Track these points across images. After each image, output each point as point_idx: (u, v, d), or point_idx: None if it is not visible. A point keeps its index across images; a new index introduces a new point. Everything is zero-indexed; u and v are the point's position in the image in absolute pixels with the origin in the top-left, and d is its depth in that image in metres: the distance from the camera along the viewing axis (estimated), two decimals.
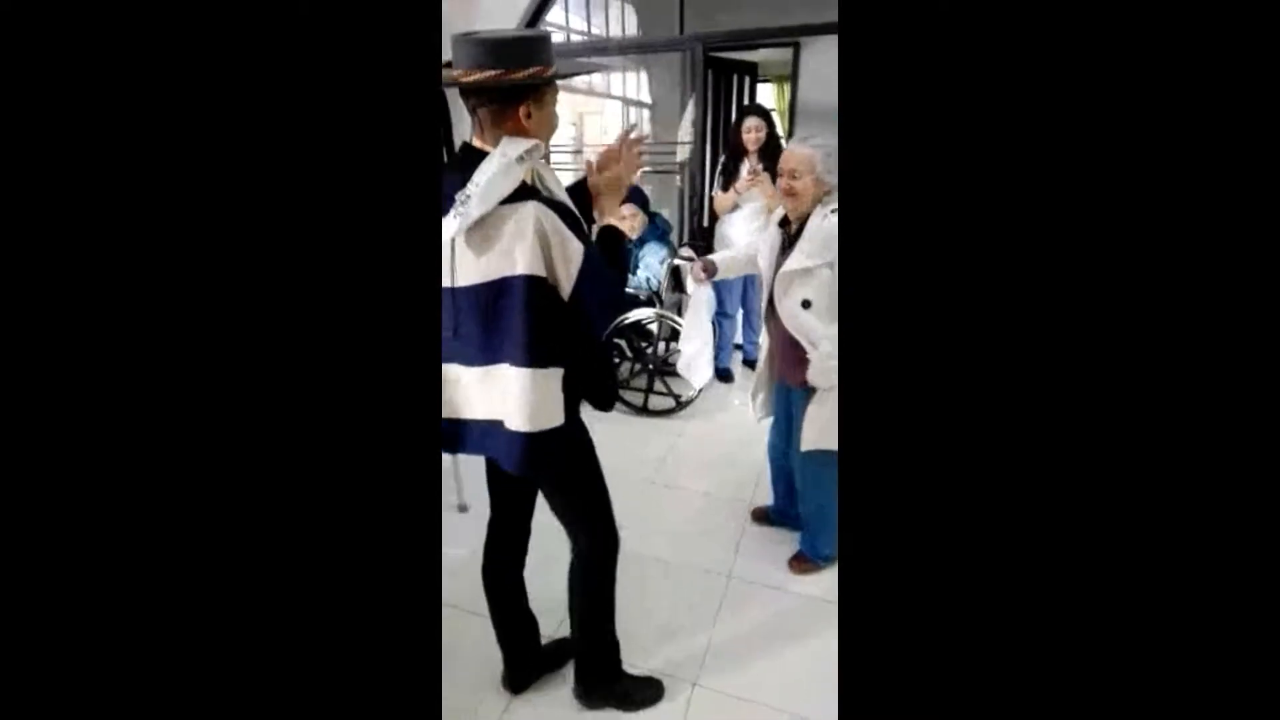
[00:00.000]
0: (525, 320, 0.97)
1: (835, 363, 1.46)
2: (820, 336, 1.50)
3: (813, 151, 1.48)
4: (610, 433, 2.68)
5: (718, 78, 4.18)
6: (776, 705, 1.37)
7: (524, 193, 0.96)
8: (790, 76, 4.91)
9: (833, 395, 1.53)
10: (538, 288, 0.97)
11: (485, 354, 1.02)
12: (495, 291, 0.98)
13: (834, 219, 1.45)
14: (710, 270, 1.75)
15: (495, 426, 1.05)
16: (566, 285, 0.99)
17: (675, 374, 2.92)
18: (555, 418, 1.04)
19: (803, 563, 1.80)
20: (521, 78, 0.95)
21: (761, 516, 2.02)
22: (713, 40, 3.19)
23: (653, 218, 2.95)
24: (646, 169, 4.70)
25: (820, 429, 1.57)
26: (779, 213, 1.62)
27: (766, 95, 5.76)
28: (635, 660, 1.46)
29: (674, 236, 3.17)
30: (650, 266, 2.82)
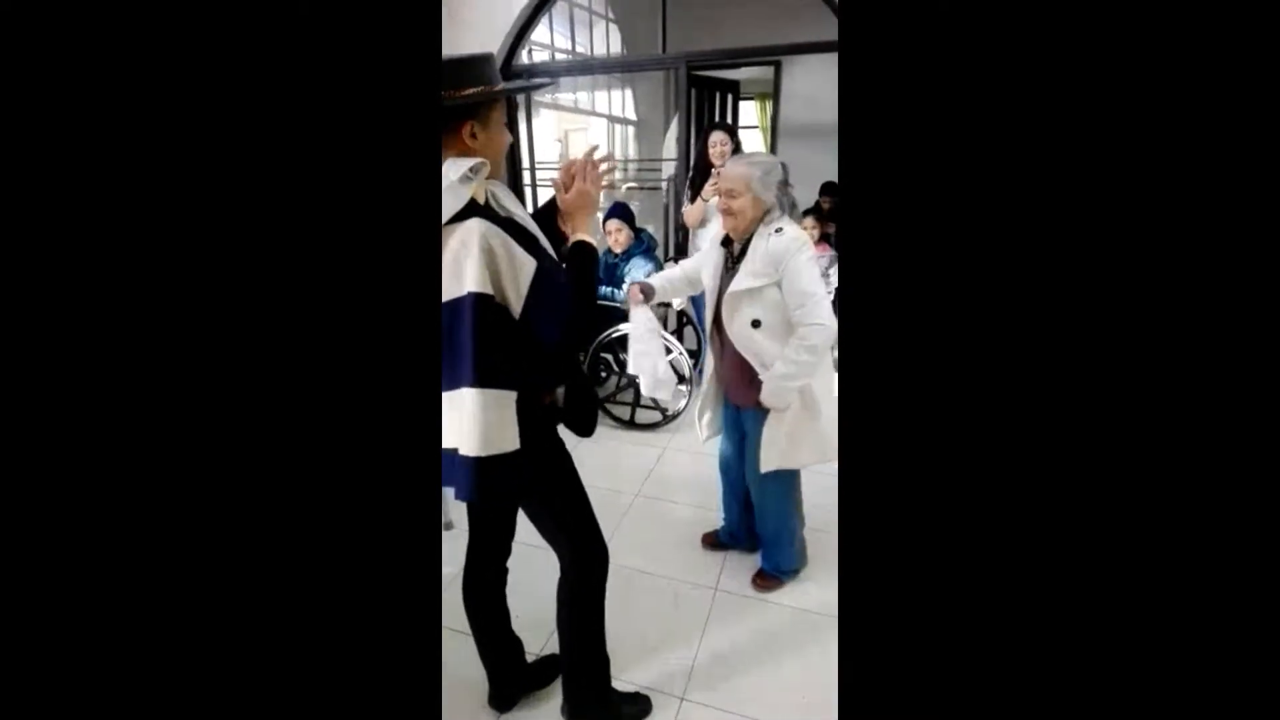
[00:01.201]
0: (474, 339, 0.95)
1: (790, 383, 1.46)
2: (772, 357, 1.48)
3: (749, 169, 1.45)
4: (597, 446, 2.69)
5: (701, 95, 4.24)
6: (765, 718, 1.37)
7: (473, 212, 0.95)
8: (772, 94, 5.00)
9: (788, 415, 1.52)
10: (486, 306, 0.95)
11: (449, 379, 1.00)
12: (450, 313, 0.96)
13: (779, 239, 1.44)
14: (648, 293, 1.70)
15: (451, 454, 1.02)
16: (516, 303, 0.98)
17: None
18: (508, 442, 1.00)
19: (766, 579, 1.77)
20: (462, 97, 0.96)
21: (712, 541, 1.96)
22: (696, 59, 3.25)
23: (639, 233, 2.97)
24: (632, 184, 4.76)
25: (780, 450, 1.56)
26: (721, 231, 1.59)
27: (749, 112, 5.85)
28: (622, 675, 1.45)
29: (660, 252, 3.20)
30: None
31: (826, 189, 3.91)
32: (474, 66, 0.98)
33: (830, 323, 1.42)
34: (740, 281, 1.48)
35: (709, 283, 1.61)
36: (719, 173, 2.65)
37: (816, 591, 1.75)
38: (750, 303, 1.48)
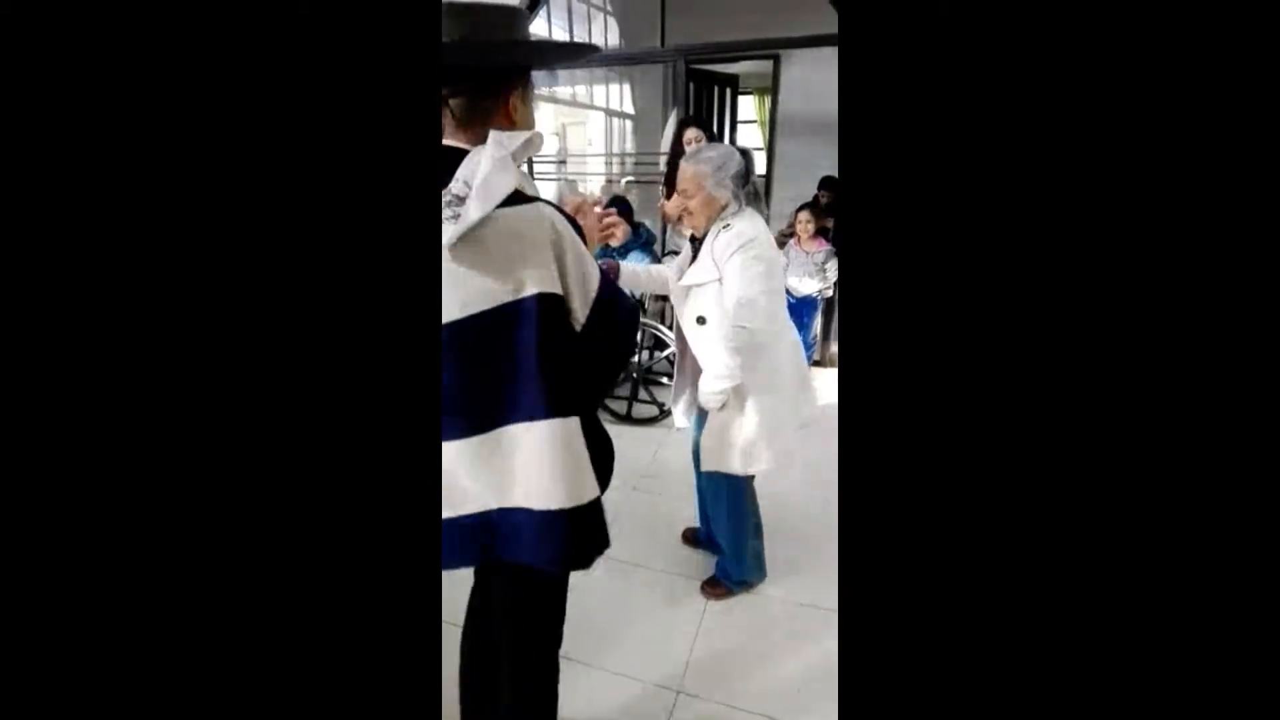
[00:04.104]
0: (542, 355, 0.72)
1: (716, 384, 1.42)
2: (709, 356, 1.45)
3: (700, 167, 1.43)
4: None
5: (700, 89, 4.23)
6: (761, 712, 1.38)
7: (521, 197, 0.74)
8: (771, 88, 4.99)
9: (720, 417, 1.49)
10: (556, 311, 0.74)
11: (482, 415, 0.75)
12: (498, 322, 0.72)
13: (724, 236, 1.41)
14: (614, 271, 1.63)
15: (511, 516, 0.77)
16: (582, 310, 0.76)
17: (659, 382, 2.94)
18: (590, 486, 0.78)
19: (715, 587, 1.73)
20: (507, 57, 0.76)
21: (691, 539, 1.96)
22: (694, 53, 3.24)
23: (636, 227, 2.97)
24: (630, 178, 4.75)
25: (711, 451, 1.53)
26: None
27: (747, 106, 5.83)
28: (619, 668, 1.46)
29: (657, 246, 3.19)
30: None
31: (825, 183, 3.90)
32: (515, 19, 0.77)
33: (755, 326, 1.38)
34: (688, 277, 1.48)
35: (673, 277, 1.60)
36: None
37: (814, 585, 1.76)
38: (695, 298, 1.47)
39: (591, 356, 0.78)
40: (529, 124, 0.81)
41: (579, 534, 0.77)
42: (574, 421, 0.76)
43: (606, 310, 0.78)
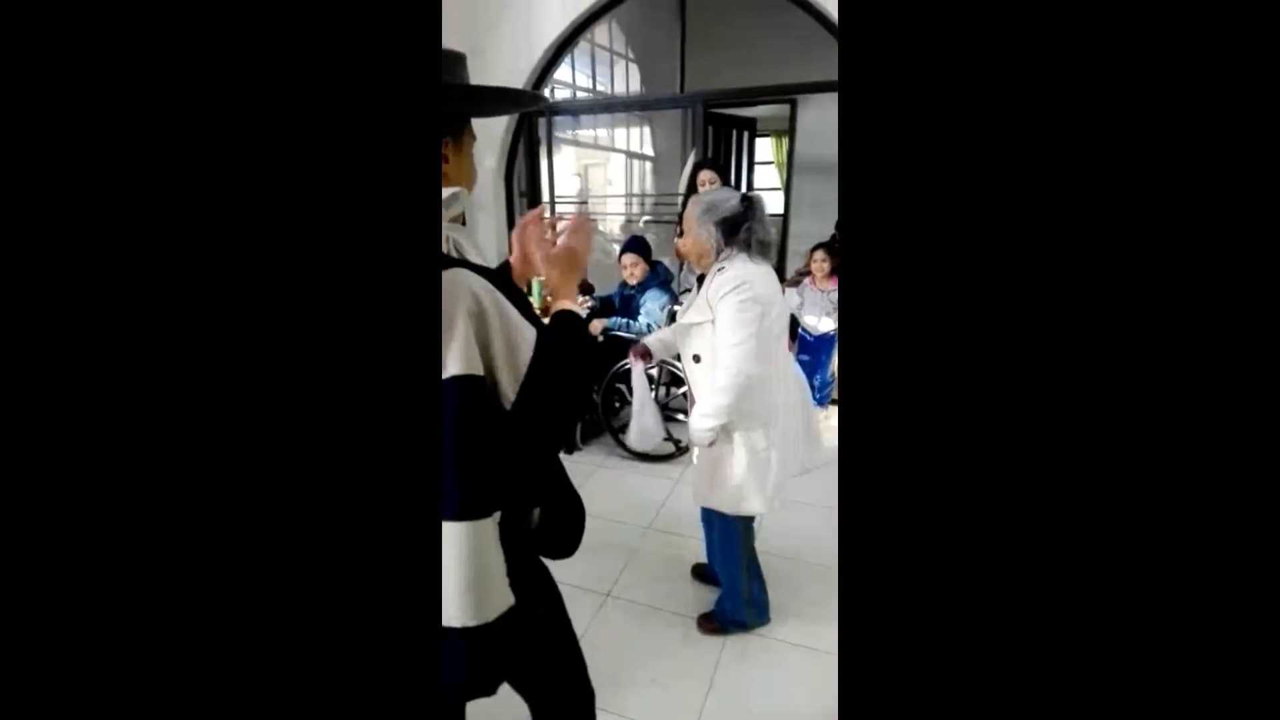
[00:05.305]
0: (459, 447, 0.66)
1: (705, 422, 1.43)
2: (702, 393, 1.47)
3: (691, 209, 1.47)
4: (610, 479, 2.68)
5: (718, 132, 4.33)
6: None
7: (443, 262, 0.69)
8: (788, 130, 5.09)
9: (709, 454, 1.51)
10: (473, 394, 0.66)
11: None
12: None
13: (718, 278, 1.43)
14: (644, 355, 1.71)
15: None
16: (511, 387, 0.69)
17: (676, 419, 2.93)
18: (502, 596, 0.71)
19: (709, 623, 1.70)
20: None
21: (700, 574, 1.94)
22: (713, 97, 3.32)
23: (654, 266, 3.02)
24: (649, 218, 4.84)
25: (703, 487, 1.54)
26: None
27: (765, 148, 5.94)
28: (634, 713, 1.43)
29: (675, 284, 3.23)
30: (651, 313, 2.87)
31: None
32: (453, 62, 0.73)
33: (748, 369, 1.39)
34: (684, 315, 1.52)
35: (680, 316, 1.64)
36: None
37: (829, 631, 1.72)
38: (692, 337, 1.51)
39: (525, 437, 0.70)
40: (465, 178, 0.77)
41: (478, 656, 0.71)
42: (486, 524, 0.70)
43: (541, 381, 0.70)
